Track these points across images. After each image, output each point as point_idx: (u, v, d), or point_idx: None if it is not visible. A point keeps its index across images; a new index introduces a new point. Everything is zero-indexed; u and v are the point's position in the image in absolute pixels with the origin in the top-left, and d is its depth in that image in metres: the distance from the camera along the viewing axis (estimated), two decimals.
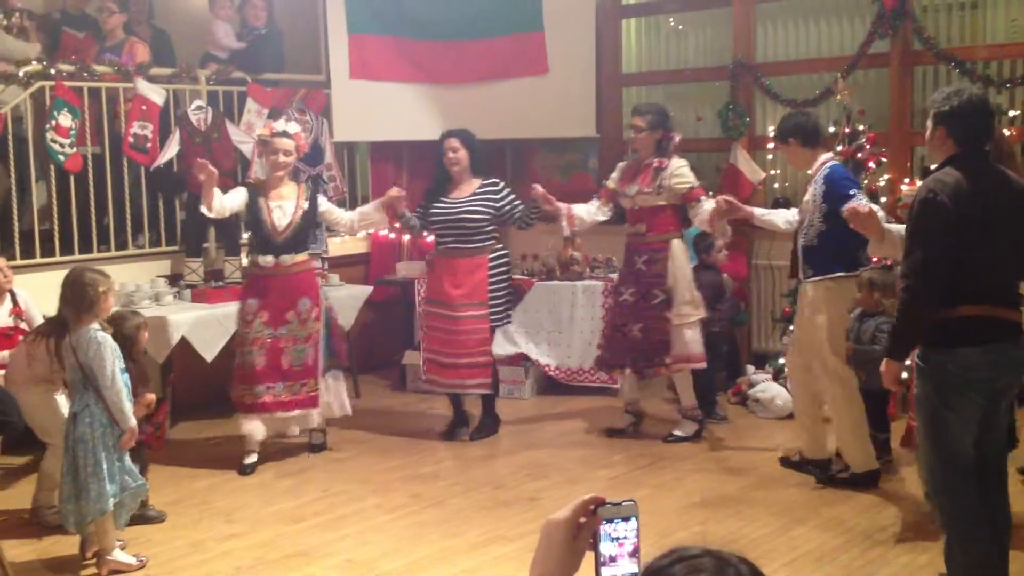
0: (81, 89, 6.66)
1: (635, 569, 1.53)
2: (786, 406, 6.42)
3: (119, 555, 4.44)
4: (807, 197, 5.34)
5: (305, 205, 5.80)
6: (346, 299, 7.25)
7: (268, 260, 5.73)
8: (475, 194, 6.13)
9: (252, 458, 5.79)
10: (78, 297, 4.35)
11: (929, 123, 3.75)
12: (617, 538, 1.53)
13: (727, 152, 7.73)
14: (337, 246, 7.90)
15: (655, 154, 5.99)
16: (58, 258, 6.46)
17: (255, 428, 5.77)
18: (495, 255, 6.20)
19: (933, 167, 3.85)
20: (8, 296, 5.54)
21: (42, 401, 4.93)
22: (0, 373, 5.18)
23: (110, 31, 7.33)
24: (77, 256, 6.53)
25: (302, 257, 5.83)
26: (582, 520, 1.56)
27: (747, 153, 7.60)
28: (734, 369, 7.22)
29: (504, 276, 6.28)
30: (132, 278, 6.57)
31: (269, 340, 5.69)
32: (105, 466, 4.31)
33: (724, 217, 5.73)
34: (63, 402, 4.92)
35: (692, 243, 6.76)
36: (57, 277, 4.63)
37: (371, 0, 7.97)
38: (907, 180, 6.77)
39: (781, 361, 6.59)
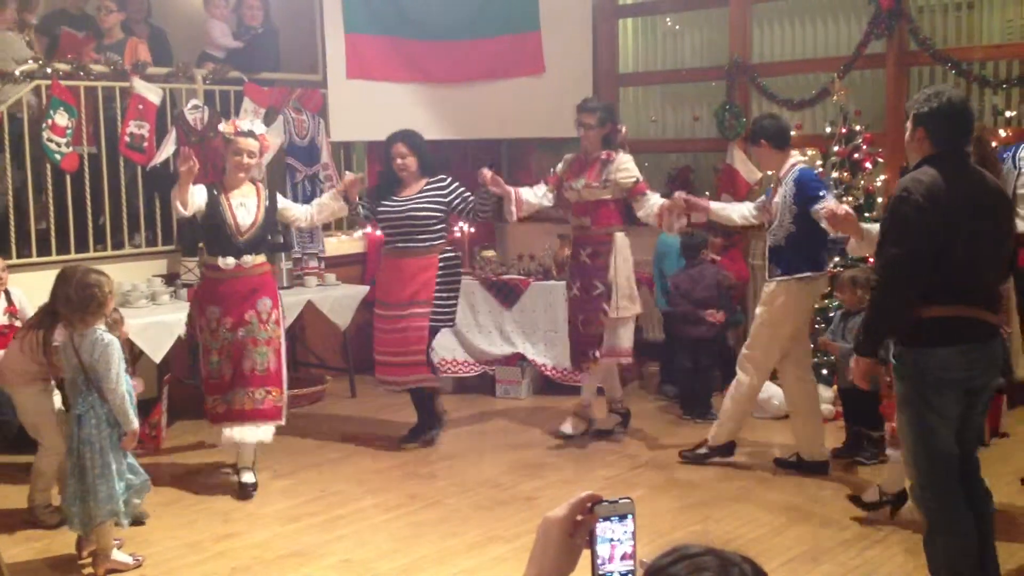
0: (77, 88, 6.65)
1: (631, 567, 1.53)
2: (782, 406, 6.42)
3: (117, 555, 4.44)
4: (776, 198, 5.44)
5: (266, 203, 5.56)
6: (342, 299, 7.26)
7: (229, 262, 5.40)
8: (422, 191, 6.05)
9: (249, 476, 5.44)
10: (85, 299, 4.31)
11: (909, 124, 3.77)
12: (613, 536, 1.53)
13: (723, 152, 7.73)
14: (333, 246, 7.90)
15: (602, 147, 6.02)
16: (54, 257, 6.44)
17: (242, 435, 5.39)
18: (445, 255, 6.10)
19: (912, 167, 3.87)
20: (3, 295, 5.53)
21: (35, 399, 4.93)
22: None
23: (108, 29, 7.33)
24: (73, 255, 6.51)
25: (262, 259, 5.55)
26: (579, 518, 1.56)
27: (744, 153, 7.60)
28: (729, 370, 7.20)
29: (454, 278, 6.17)
30: (128, 278, 6.56)
31: (231, 345, 5.39)
32: (113, 467, 4.32)
33: (677, 212, 5.81)
34: (57, 400, 4.92)
35: (680, 244, 6.80)
36: (53, 276, 4.61)
37: (368, 0, 7.96)
38: None
39: None
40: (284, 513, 5.10)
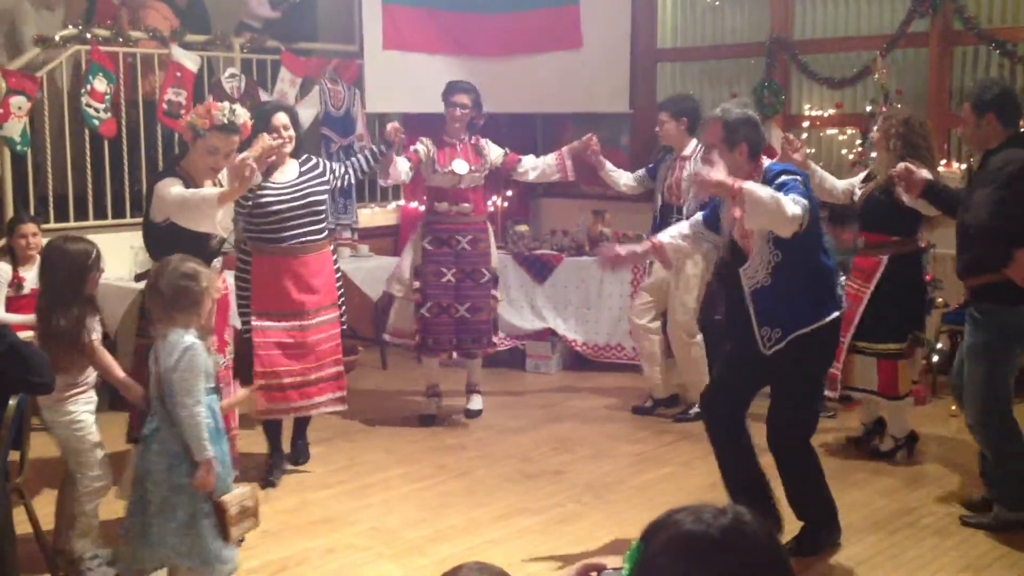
0: (117, 54, 6.68)
1: None
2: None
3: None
4: (687, 174, 5.78)
5: None
6: (375, 270, 7.29)
7: (216, 264, 4.48)
8: (303, 175, 5.08)
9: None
10: (176, 293, 3.55)
11: (969, 114, 4.25)
12: None
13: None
14: (367, 217, 7.93)
15: (469, 131, 5.97)
16: (91, 222, 6.52)
17: None
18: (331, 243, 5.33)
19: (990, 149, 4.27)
20: (37, 260, 5.57)
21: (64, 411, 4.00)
22: (31, 335, 5.20)
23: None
24: (110, 220, 6.60)
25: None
26: None
27: (782, 131, 7.51)
28: None
29: (337, 266, 5.33)
30: None
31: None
32: (178, 508, 3.47)
33: (576, 152, 5.96)
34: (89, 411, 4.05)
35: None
36: None
37: None
38: (943, 161, 6.68)
39: None
40: (315, 480, 5.15)
